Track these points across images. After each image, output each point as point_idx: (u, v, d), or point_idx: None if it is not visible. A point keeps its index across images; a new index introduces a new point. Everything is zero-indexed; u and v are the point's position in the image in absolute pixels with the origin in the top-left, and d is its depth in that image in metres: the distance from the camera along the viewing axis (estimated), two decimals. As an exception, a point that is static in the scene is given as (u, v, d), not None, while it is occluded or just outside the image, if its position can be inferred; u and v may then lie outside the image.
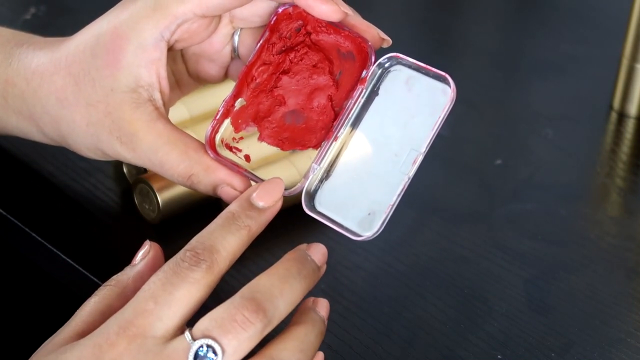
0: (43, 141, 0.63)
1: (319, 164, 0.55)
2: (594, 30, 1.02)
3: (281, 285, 0.50)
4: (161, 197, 0.68)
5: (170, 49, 0.58)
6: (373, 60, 0.56)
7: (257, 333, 0.48)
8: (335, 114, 0.57)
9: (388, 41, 0.57)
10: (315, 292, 0.53)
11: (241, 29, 0.61)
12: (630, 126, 0.86)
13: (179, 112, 0.74)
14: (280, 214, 0.53)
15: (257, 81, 0.58)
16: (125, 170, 0.72)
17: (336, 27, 0.57)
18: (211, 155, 0.56)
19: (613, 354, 0.62)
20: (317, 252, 0.53)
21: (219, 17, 0.60)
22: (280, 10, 0.58)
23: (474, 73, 0.95)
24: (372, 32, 0.57)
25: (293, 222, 0.64)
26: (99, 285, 0.52)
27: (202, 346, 0.48)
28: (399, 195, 0.53)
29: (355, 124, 0.56)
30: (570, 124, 0.87)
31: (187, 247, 0.50)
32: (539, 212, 0.75)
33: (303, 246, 0.53)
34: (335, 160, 0.56)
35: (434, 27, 1.04)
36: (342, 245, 0.68)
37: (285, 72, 0.58)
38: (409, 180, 0.53)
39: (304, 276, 0.51)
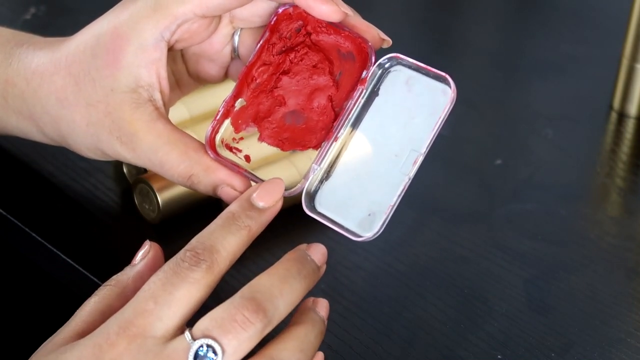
0: (43, 141, 0.63)
1: (319, 165, 0.55)
2: (594, 30, 1.03)
3: (281, 285, 0.50)
4: (161, 197, 0.68)
5: (171, 49, 0.58)
6: (373, 60, 0.56)
7: (257, 333, 0.48)
8: (335, 114, 0.57)
9: (388, 41, 0.57)
10: (315, 292, 0.53)
11: (241, 29, 0.61)
12: (630, 126, 0.86)
13: (179, 112, 0.74)
14: (280, 214, 0.53)
15: (257, 81, 0.58)
16: (125, 170, 0.72)
17: (336, 27, 0.57)
18: (211, 156, 0.56)
19: (613, 354, 0.62)
20: (317, 252, 0.53)
21: (219, 17, 0.60)
22: (280, 10, 0.58)
23: (474, 73, 0.95)
24: (372, 33, 0.57)
25: (293, 222, 0.64)
26: (99, 285, 0.52)
27: (202, 346, 0.48)
28: (399, 195, 0.53)
29: (356, 124, 0.56)
30: (570, 124, 0.87)
31: (187, 247, 0.50)
32: (539, 212, 0.75)
33: (303, 246, 0.53)
34: (336, 160, 0.56)
35: (434, 27, 1.04)
36: (342, 245, 0.68)
37: (285, 73, 0.58)
38: (410, 181, 0.53)
39: (304, 276, 0.51)
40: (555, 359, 0.61)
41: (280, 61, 0.58)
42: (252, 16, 0.59)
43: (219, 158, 0.56)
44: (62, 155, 0.74)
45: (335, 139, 0.56)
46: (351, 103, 0.56)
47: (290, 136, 0.58)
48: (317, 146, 0.57)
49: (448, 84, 0.54)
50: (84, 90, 0.58)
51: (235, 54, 0.61)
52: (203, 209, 0.68)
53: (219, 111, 0.57)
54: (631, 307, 0.66)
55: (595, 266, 0.70)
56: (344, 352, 0.61)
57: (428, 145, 0.53)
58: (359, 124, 0.56)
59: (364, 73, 0.56)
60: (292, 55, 0.58)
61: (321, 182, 0.55)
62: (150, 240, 0.54)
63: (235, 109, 0.58)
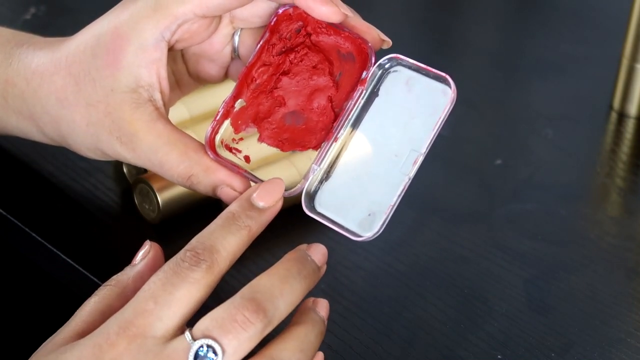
0: (43, 141, 0.63)
1: (319, 165, 0.55)
2: (594, 30, 1.03)
3: (281, 285, 0.50)
4: (161, 197, 0.68)
5: (171, 49, 0.58)
6: (373, 61, 0.56)
7: (257, 333, 0.48)
8: (335, 114, 0.57)
9: (388, 42, 0.57)
10: (315, 292, 0.53)
11: (241, 29, 0.61)
12: (630, 126, 0.86)
13: (179, 112, 0.74)
14: (280, 214, 0.53)
15: (257, 82, 0.58)
16: (125, 170, 0.72)
17: (336, 28, 0.57)
18: (211, 156, 0.56)
19: (613, 354, 0.62)
20: (317, 253, 0.53)
21: (219, 17, 0.60)
22: (280, 11, 0.58)
23: (474, 73, 0.95)
24: (372, 34, 0.57)
25: (293, 222, 0.64)
26: (99, 285, 0.52)
27: (202, 346, 0.48)
28: (399, 195, 0.53)
29: (356, 124, 0.56)
30: (570, 124, 0.87)
31: (187, 247, 0.50)
32: (539, 212, 0.75)
33: (303, 246, 0.53)
34: (336, 161, 0.56)
35: (434, 27, 1.04)
36: (342, 245, 0.68)
37: (285, 73, 0.58)
38: (410, 181, 0.53)
39: (304, 276, 0.51)
40: (555, 359, 0.61)
41: (280, 62, 0.58)
42: (252, 16, 0.59)
43: (218, 158, 0.56)
44: (62, 155, 0.74)
45: (335, 139, 0.56)
46: (351, 103, 0.56)
47: (290, 137, 0.58)
48: (316, 147, 0.57)
49: (448, 84, 0.54)
50: (84, 90, 0.58)
51: (235, 54, 0.61)
52: (203, 209, 0.68)
53: (218, 112, 0.57)
54: (631, 307, 0.66)
55: (595, 266, 0.70)
56: (344, 352, 0.61)
57: (428, 146, 0.53)
58: (359, 125, 0.56)
59: (364, 74, 0.56)
60: (292, 56, 0.58)
61: (321, 182, 0.55)
62: (150, 240, 0.54)
63: (235, 109, 0.58)
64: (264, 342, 0.50)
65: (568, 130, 0.86)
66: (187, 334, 0.48)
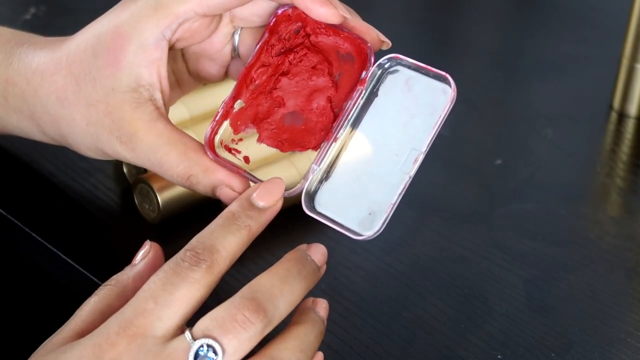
0: (43, 140, 0.63)
1: (319, 165, 0.55)
2: (594, 30, 1.03)
3: (281, 285, 0.50)
4: (161, 197, 0.68)
5: (171, 48, 0.58)
6: (372, 61, 0.56)
7: (257, 333, 0.48)
8: (334, 115, 0.57)
9: (387, 43, 0.57)
10: (315, 292, 0.53)
11: (241, 28, 0.61)
12: (630, 126, 0.86)
13: (179, 112, 0.74)
14: (280, 214, 0.53)
15: (256, 83, 0.58)
16: (125, 170, 0.72)
17: (335, 28, 0.57)
18: (210, 157, 0.56)
19: (613, 354, 0.62)
20: (317, 253, 0.53)
21: (220, 16, 0.60)
22: (279, 11, 0.58)
23: (474, 73, 0.95)
24: (371, 34, 0.57)
25: (293, 222, 0.64)
26: (99, 285, 0.52)
27: (202, 346, 0.48)
28: (400, 194, 0.53)
29: (355, 124, 0.56)
30: (570, 124, 0.87)
31: (187, 247, 0.50)
32: (539, 212, 0.75)
33: (303, 246, 0.53)
34: (335, 161, 0.56)
35: (434, 27, 1.04)
36: (342, 245, 0.68)
37: (284, 74, 0.58)
38: (410, 180, 0.53)
39: (304, 276, 0.51)
40: (555, 359, 0.61)
41: (279, 62, 0.58)
42: (252, 15, 0.59)
43: (218, 159, 0.56)
44: (62, 155, 0.74)
45: (335, 139, 0.56)
46: (350, 104, 0.56)
47: (289, 137, 0.58)
48: (316, 147, 0.57)
49: (448, 83, 0.54)
50: (84, 90, 0.58)
51: (235, 53, 0.61)
52: (203, 209, 0.68)
53: (218, 112, 0.57)
54: (631, 307, 0.66)
55: (595, 266, 0.70)
56: (344, 352, 0.61)
57: (428, 144, 0.53)
58: (359, 124, 0.56)
59: (363, 74, 0.56)
60: (291, 57, 0.58)
61: (321, 182, 0.55)
62: (150, 240, 0.54)
63: (234, 110, 0.58)
64: (264, 342, 0.50)
65: (568, 130, 0.86)
66: (187, 333, 0.48)
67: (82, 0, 0.98)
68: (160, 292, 0.49)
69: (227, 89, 0.61)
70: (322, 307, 0.53)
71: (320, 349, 0.52)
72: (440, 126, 0.53)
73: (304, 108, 0.58)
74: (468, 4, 1.10)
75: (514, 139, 0.85)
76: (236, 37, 0.61)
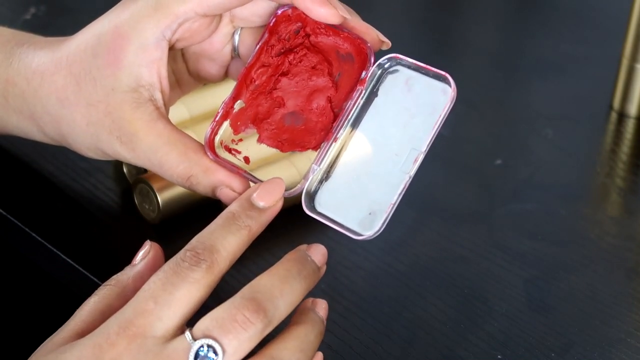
0: (43, 141, 0.63)
1: (319, 165, 0.55)
2: (594, 30, 1.03)
3: (281, 285, 0.50)
4: (161, 197, 0.68)
5: (171, 48, 0.58)
6: (372, 61, 0.56)
7: (257, 333, 0.48)
8: (334, 115, 0.57)
9: (387, 44, 0.57)
10: (315, 292, 0.53)
11: (241, 28, 0.61)
12: (630, 126, 0.86)
13: (179, 112, 0.74)
14: (280, 214, 0.53)
15: (256, 83, 0.58)
16: (125, 170, 0.72)
17: (335, 29, 0.57)
18: (210, 157, 0.56)
19: (613, 354, 0.62)
20: (317, 253, 0.53)
21: (220, 16, 0.60)
22: (279, 12, 0.58)
23: (474, 73, 0.95)
24: (371, 35, 0.57)
25: (293, 222, 0.64)
26: (99, 285, 0.52)
27: (202, 346, 0.48)
28: (400, 194, 0.53)
29: (355, 124, 0.56)
30: (570, 124, 0.87)
31: (187, 247, 0.50)
32: (539, 212, 0.75)
33: (303, 247, 0.53)
34: (335, 161, 0.56)
35: (434, 27, 1.04)
36: (342, 245, 0.68)
37: (284, 74, 0.58)
38: (410, 180, 0.53)
39: (304, 277, 0.51)
40: (555, 359, 0.61)
41: (279, 63, 0.58)
42: (252, 15, 0.59)
43: (218, 159, 0.56)
44: (62, 155, 0.74)
45: (335, 139, 0.56)
46: (350, 104, 0.56)
47: (289, 137, 0.58)
48: (316, 147, 0.57)
49: (448, 82, 0.54)
50: (84, 90, 0.58)
51: (235, 53, 0.61)
52: (203, 209, 0.68)
53: (217, 113, 0.57)
54: (631, 307, 0.66)
55: (595, 266, 0.70)
56: (344, 352, 0.61)
57: (428, 144, 0.53)
58: (359, 124, 0.56)
59: (363, 74, 0.56)
60: (291, 57, 0.58)
61: (321, 182, 0.55)
62: (150, 240, 0.54)
63: (234, 110, 0.58)
64: (263, 342, 0.50)
65: (568, 130, 0.86)
66: (187, 333, 0.48)
67: (82, 0, 0.98)
68: (160, 292, 0.49)
69: (227, 89, 0.61)
70: (321, 307, 0.53)
71: (320, 349, 0.52)
72: (440, 126, 0.53)
73: (304, 108, 0.58)
74: (468, 4, 1.10)
75: (514, 139, 0.85)
76: (236, 37, 0.61)
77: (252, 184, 0.55)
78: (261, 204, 0.53)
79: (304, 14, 0.57)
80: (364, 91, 0.56)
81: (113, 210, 0.72)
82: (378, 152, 0.55)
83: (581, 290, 0.67)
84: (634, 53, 0.85)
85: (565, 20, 1.05)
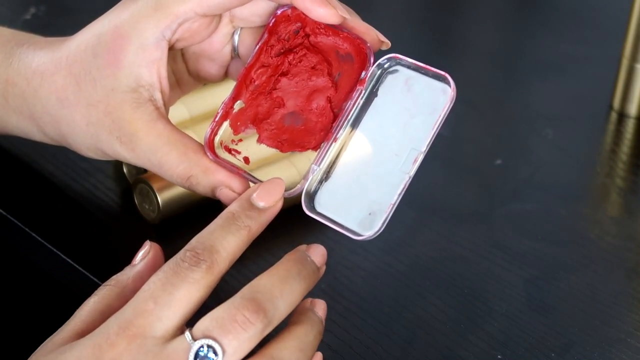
0: (43, 141, 0.63)
1: (319, 165, 0.55)
2: (594, 30, 1.03)
3: (281, 285, 0.50)
4: (161, 197, 0.68)
5: (171, 48, 0.58)
6: (372, 61, 0.56)
7: (257, 333, 0.48)
8: (334, 115, 0.57)
9: (387, 44, 0.57)
10: (315, 292, 0.53)
11: (241, 28, 0.61)
12: (630, 126, 0.86)
13: (179, 112, 0.74)
14: (280, 214, 0.53)
15: (256, 83, 0.58)
16: (125, 170, 0.72)
17: (335, 29, 0.57)
18: (210, 157, 0.56)
19: (613, 354, 0.62)
20: (317, 254, 0.53)
21: (220, 16, 0.60)
22: (278, 12, 0.58)
23: (474, 73, 0.95)
24: (371, 35, 0.57)
25: (293, 222, 0.64)
26: (99, 285, 0.52)
27: (202, 346, 0.48)
28: (399, 194, 0.53)
29: (355, 124, 0.56)
30: (570, 124, 0.87)
31: (187, 247, 0.50)
32: (539, 212, 0.75)
33: (303, 247, 0.53)
34: (335, 161, 0.56)
35: (434, 27, 1.04)
36: (342, 245, 0.68)
37: (284, 74, 0.58)
38: (410, 180, 0.53)
39: (303, 277, 0.51)
40: (555, 359, 0.61)
41: (279, 63, 0.58)
42: (252, 15, 0.59)
43: (217, 159, 0.56)
44: (62, 155, 0.74)
45: (335, 139, 0.56)
46: (350, 104, 0.56)
47: (289, 137, 0.58)
48: (316, 147, 0.57)
49: (448, 82, 0.54)
50: (84, 90, 0.58)
51: (235, 53, 0.61)
52: (203, 209, 0.68)
53: (217, 113, 0.57)
54: (631, 307, 0.66)
55: (595, 266, 0.70)
56: (344, 352, 0.61)
57: (428, 144, 0.53)
58: (359, 124, 0.56)
59: (363, 74, 0.56)
60: (290, 57, 0.58)
61: (321, 182, 0.55)
62: (150, 240, 0.54)
63: (234, 110, 0.58)
64: (263, 342, 0.50)
65: (568, 130, 0.86)
66: (187, 334, 0.48)
67: (82, 0, 0.98)
68: (160, 292, 0.49)
69: (227, 89, 0.61)
70: (320, 307, 0.53)
71: (320, 349, 0.52)
72: (440, 126, 0.53)
73: (303, 108, 0.58)
74: (468, 4, 1.10)
75: (514, 139, 0.85)
76: (236, 37, 0.61)
77: (251, 184, 0.55)
78: (261, 204, 0.53)
79: (303, 14, 0.57)
80: (363, 91, 0.56)
81: (113, 210, 0.72)
82: (378, 152, 0.55)
83: (581, 290, 0.67)
84: (634, 53, 0.85)
85: (565, 20, 1.05)
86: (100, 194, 0.72)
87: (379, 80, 0.56)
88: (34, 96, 0.60)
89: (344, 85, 0.57)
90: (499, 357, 0.61)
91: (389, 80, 0.56)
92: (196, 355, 0.48)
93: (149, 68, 0.57)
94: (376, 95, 0.56)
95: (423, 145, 0.53)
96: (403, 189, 0.53)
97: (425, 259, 0.69)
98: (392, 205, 0.53)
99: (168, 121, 0.57)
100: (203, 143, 0.56)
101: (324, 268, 0.53)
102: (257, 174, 0.56)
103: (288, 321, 0.52)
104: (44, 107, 0.60)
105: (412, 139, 0.54)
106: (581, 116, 0.88)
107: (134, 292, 0.50)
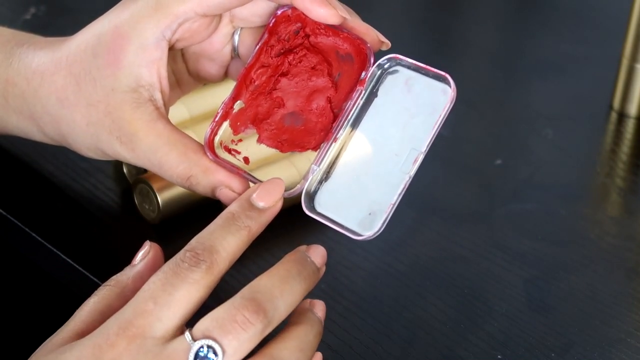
0: (43, 141, 0.63)
1: (319, 165, 0.55)
2: (594, 30, 1.03)
3: (281, 286, 0.50)
4: (161, 197, 0.68)
5: (171, 49, 0.58)
6: (372, 61, 0.56)
7: (257, 333, 0.48)
8: (334, 115, 0.57)
9: (387, 44, 0.57)
10: (315, 292, 0.53)
11: (241, 28, 0.61)
12: (630, 126, 0.86)
13: (179, 112, 0.74)
14: (280, 214, 0.53)
15: (256, 83, 0.58)
16: (125, 170, 0.72)
17: (335, 29, 0.57)
18: (210, 157, 0.56)
19: (613, 354, 0.62)
20: (317, 254, 0.53)
21: (220, 16, 0.60)
22: (279, 12, 0.58)
23: (474, 73, 0.95)
24: (371, 35, 0.57)
25: (293, 222, 0.64)
26: (99, 285, 0.52)
27: (202, 347, 0.48)
28: (399, 194, 0.53)
29: (355, 125, 0.56)
30: (570, 124, 0.87)
31: (186, 247, 0.50)
32: (539, 212, 0.75)
33: (303, 248, 0.53)
34: (335, 161, 0.56)
35: (434, 27, 1.04)
36: (342, 245, 0.68)
37: (284, 75, 0.58)
38: (410, 180, 0.53)
39: (303, 277, 0.51)
40: (555, 359, 0.61)
41: (279, 63, 0.58)
42: (252, 15, 0.59)
43: (217, 159, 0.56)
44: (62, 155, 0.74)
45: (335, 139, 0.56)
46: (350, 104, 0.56)
47: (289, 138, 0.58)
48: (316, 147, 0.57)
49: (448, 83, 0.54)
50: (84, 90, 0.58)
51: (235, 53, 0.61)
52: (203, 209, 0.68)
53: (217, 113, 0.57)
54: (631, 307, 0.66)
55: (595, 266, 0.70)
56: (344, 352, 0.61)
57: (428, 144, 0.53)
58: (359, 125, 0.56)
59: (363, 74, 0.56)
60: (290, 57, 0.58)
61: (321, 182, 0.55)
62: (150, 240, 0.54)
63: (234, 111, 0.58)
64: (262, 342, 0.50)
65: (568, 130, 0.86)
66: (187, 334, 0.48)
67: (82, 0, 0.98)
68: (159, 292, 0.49)
69: (227, 89, 0.61)
70: (319, 308, 0.53)
71: (320, 349, 0.52)
72: (440, 126, 0.53)
73: (303, 108, 0.58)
74: (468, 4, 1.10)
75: (514, 139, 0.85)
76: (236, 37, 0.61)
77: (251, 184, 0.55)
78: (261, 204, 0.53)
79: (303, 14, 0.57)
80: (363, 91, 0.56)
81: (113, 210, 0.72)
82: (378, 152, 0.55)
83: (581, 290, 0.67)
84: (634, 53, 0.85)
85: (565, 20, 1.05)
86: (100, 194, 0.72)
87: (379, 81, 0.56)
88: (34, 96, 0.60)
89: (344, 86, 0.57)
90: (499, 357, 0.61)
91: (389, 80, 0.56)
92: (196, 355, 0.48)
93: (149, 68, 0.57)
94: (376, 96, 0.56)
95: (423, 146, 0.53)
96: (403, 189, 0.53)
97: (425, 259, 0.69)
98: (392, 205, 0.53)
99: (168, 121, 0.57)
100: (203, 143, 0.56)
101: (324, 269, 0.53)
102: (257, 174, 0.56)
103: (287, 322, 0.52)
104: (44, 107, 0.60)
105: (412, 139, 0.54)
106: (581, 116, 0.88)
107: (133, 292, 0.50)
